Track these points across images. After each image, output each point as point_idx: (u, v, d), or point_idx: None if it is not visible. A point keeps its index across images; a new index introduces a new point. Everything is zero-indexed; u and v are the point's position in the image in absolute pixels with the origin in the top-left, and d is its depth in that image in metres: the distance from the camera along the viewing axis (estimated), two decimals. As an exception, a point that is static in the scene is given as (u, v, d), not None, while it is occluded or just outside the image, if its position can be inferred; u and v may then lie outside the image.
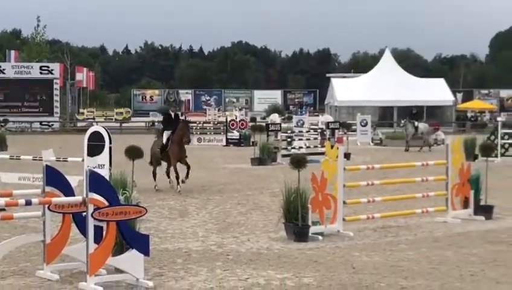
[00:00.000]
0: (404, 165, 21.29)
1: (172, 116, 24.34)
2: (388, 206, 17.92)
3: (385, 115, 67.74)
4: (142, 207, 12.04)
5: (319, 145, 37.95)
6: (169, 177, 24.07)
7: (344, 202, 16.30)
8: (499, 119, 46.01)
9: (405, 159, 28.72)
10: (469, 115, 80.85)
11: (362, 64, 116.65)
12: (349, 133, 49.14)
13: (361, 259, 13.89)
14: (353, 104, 69.52)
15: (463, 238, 15.96)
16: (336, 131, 40.82)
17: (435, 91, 75.43)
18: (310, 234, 15.51)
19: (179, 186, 23.02)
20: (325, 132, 40.88)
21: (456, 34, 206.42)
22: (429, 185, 18.63)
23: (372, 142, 51.00)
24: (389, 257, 14.13)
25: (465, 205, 18.18)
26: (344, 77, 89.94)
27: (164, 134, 23.57)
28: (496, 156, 35.21)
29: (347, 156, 26.40)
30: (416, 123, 45.37)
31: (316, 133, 42.57)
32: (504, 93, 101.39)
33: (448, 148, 18.51)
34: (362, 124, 53.00)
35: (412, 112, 48.23)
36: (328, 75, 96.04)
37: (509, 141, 37.95)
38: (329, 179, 15.97)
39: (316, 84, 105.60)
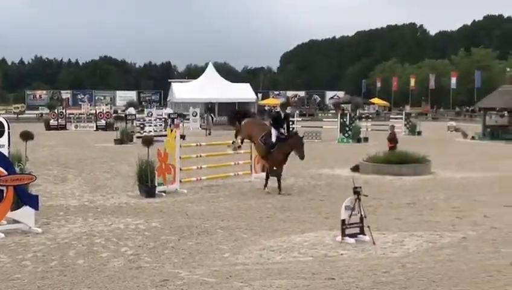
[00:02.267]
0: (222, 143, 21.47)
1: (282, 116, 17.05)
2: (211, 171, 18.04)
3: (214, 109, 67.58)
4: (33, 175, 11.76)
5: (163, 130, 37.81)
6: (267, 180, 16.69)
7: (180, 169, 16.35)
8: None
9: (222, 139, 28.86)
10: (266, 108, 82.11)
11: (193, 72, 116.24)
12: (185, 121, 49.17)
13: (192, 208, 13.97)
14: (187, 100, 68.98)
15: (261, 191, 16.26)
16: (175, 119, 40.99)
17: (243, 92, 76.23)
18: (156, 192, 15.49)
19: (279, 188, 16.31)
20: (167, 120, 40.87)
21: (257, 52, 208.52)
22: (239, 157, 18.84)
23: (201, 127, 50.90)
24: (211, 206, 14.26)
25: (263, 169, 18.52)
26: (181, 81, 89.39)
27: (273, 131, 16.54)
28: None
29: (183, 137, 26.31)
30: (212, 115, 45.96)
31: (161, 121, 42.37)
32: (289, 93, 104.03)
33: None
34: (193, 114, 53.05)
35: (208, 106, 48.43)
36: (169, 80, 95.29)
37: (295, 127, 38.79)
38: (170, 153, 16.03)
39: (161, 87, 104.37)
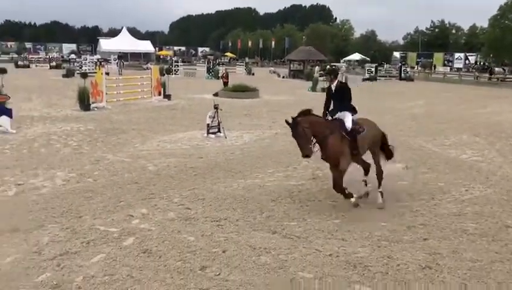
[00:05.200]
0: (131, 77, 20.44)
1: (333, 88, 5.79)
2: (127, 96, 17.11)
3: (127, 57, 63.46)
4: (8, 96, 10.79)
5: (94, 69, 35.18)
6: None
7: (106, 93, 15.54)
8: (173, 58, 44.61)
9: (131, 75, 27.32)
10: (161, 56, 77.15)
11: (113, 33, 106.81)
12: (108, 63, 46.05)
13: (116, 117, 13.40)
14: (109, 50, 64.71)
15: (158, 107, 15.85)
16: (102, 62, 38.51)
17: (146, 46, 73.80)
18: (91, 108, 14.69)
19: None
20: (97, 63, 38.20)
21: (156, 20, 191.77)
22: (145, 86, 18.03)
23: (118, 66, 46.93)
24: (127, 116, 13.74)
25: (159, 94, 18.03)
26: (105, 39, 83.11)
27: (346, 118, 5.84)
28: (174, 74, 34.95)
29: (107, 73, 24.67)
30: (122, 61, 43.56)
31: (93, 63, 39.35)
32: (176, 48, 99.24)
33: (152, 69, 18.23)
34: (114, 60, 49.53)
35: (119, 55, 45.53)
36: (98, 37, 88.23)
37: (179, 68, 37.61)
38: (99, 83, 15.19)
39: (93, 42, 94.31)
